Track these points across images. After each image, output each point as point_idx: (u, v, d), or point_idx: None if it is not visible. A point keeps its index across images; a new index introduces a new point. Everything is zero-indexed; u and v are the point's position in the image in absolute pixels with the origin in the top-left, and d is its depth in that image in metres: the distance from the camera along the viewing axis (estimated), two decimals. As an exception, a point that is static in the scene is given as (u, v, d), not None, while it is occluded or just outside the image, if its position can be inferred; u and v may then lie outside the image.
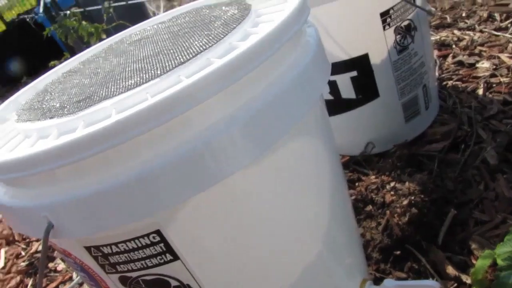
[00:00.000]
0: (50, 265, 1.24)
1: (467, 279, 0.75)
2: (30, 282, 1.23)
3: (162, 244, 0.39)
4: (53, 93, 0.51)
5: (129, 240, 0.39)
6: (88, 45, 1.78)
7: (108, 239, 0.39)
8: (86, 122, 0.38)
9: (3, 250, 1.39)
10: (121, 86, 0.41)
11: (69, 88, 0.50)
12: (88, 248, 0.41)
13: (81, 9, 1.95)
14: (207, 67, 0.35)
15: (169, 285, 0.42)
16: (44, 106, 0.47)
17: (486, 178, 0.93)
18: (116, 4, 1.66)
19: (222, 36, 0.43)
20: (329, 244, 0.52)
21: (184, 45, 0.45)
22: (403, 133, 1.03)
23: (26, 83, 3.40)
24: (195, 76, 0.34)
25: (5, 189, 0.43)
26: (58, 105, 0.45)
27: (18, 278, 1.25)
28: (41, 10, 2.40)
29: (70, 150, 0.34)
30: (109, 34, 1.71)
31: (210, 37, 0.44)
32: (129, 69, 0.45)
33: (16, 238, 1.44)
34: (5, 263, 1.33)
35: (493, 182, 0.92)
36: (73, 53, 2.61)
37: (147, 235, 0.38)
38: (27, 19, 3.39)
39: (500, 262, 0.63)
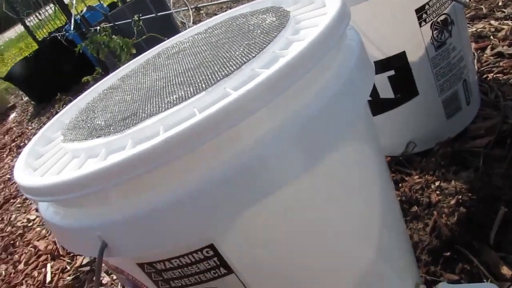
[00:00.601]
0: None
1: (524, 279, 0.72)
2: (77, 296, 1.24)
3: (215, 258, 0.38)
4: (96, 111, 0.51)
5: (183, 256, 0.39)
6: (119, 59, 1.80)
7: (162, 255, 0.39)
8: (134, 140, 0.38)
9: (49, 265, 1.42)
10: (166, 102, 0.40)
11: (112, 105, 0.50)
12: (141, 265, 0.41)
13: (111, 24, 1.98)
14: (254, 78, 0.34)
15: (223, 299, 0.42)
16: (89, 125, 0.47)
17: (536, 172, 0.90)
18: (146, 17, 1.67)
19: (264, 45, 0.42)
20: (381, 249, 0.50)
21: (226, 56, 0.44)
22: (445, 130, 1.00)
23: (60, 99, 3.48)
24: (243, 88, 0.33)
25: (56, 209, 0.43)
26: (103, 123, 0.45)
27: (65, 292, 1.27)
28: (72, 27, 2.45)
29: (121, 169, 0.33)
30: (139, 47, 1.73)
31: (252, 47, 0.43)
32: (172, 83, 0.45)
33: (61, 252, 1.46)
34: (52, 278, 1.35)
35: (543, 176, 0.88)
36: (105, 67, 2.66)
37: (201, 249, 0.38)
38: (59, 37, 3.47)
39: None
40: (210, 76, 0.41)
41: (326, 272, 0.44)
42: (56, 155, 0.48)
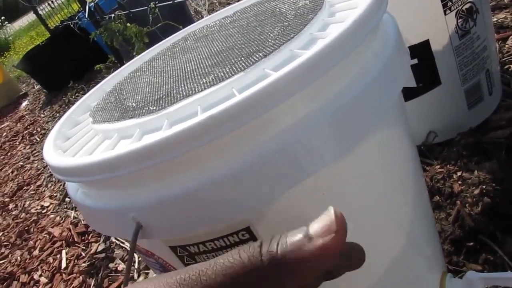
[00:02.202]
0: (111, 265, 1.27)
1: (547, 271, 0.72)
2: (92, 282, 1.25)
3: (251, 241, 0.38)
4: (125, 93, 0.51)
5: (218, 239, 0.38)
6: (133, 47, 1.80)
7: (196, 239, 0.39)
8: (170, 121, 0.38)
9: (63, 252, 1.43)
10: (202, 82, 0.40)
11: (142, 87, 0.49)
12: (173, 248, 0.41)
13: (126, 11, 1.97)
14: (294, 59, 0.34)
15: (256, 283, 0.42)
16: (119, 106, 0.47)
17: (559, 164, 0.89)
18: (162, 4, 1.67)
19: (301, 27, 0.41)
20: (412, 237, 0.50)
21: (260, 38, 0.44)
22: (466, 120, 0.99)
23: (73, 87, 3.48)
24: (284, 69, 0.33)
25: (88, 190, 0.43)
26: (134, 104, 0.44)
27: (81, 278, 1.28)
28: (86, 15, 2.44)
29: (159, 150, 0.33)
30: (154, 35, 1.72)
31: (287, 29, 0.42)
32: (205, 65, 0.44)
33: (76, 239, 1.47)
34: (67, 264, 1.36)
35: None
36: (118, 56, 2.66)
37: (237, 232, 0.37)
38: (71, 25, 3.47)
39: None
40: (246, 57, 0.40)
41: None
42: (86, 136, 0.47)
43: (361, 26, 0.36)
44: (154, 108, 0.40)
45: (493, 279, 0.55)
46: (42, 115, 3.66)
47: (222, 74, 0.39)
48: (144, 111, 0.41)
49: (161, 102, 0.41)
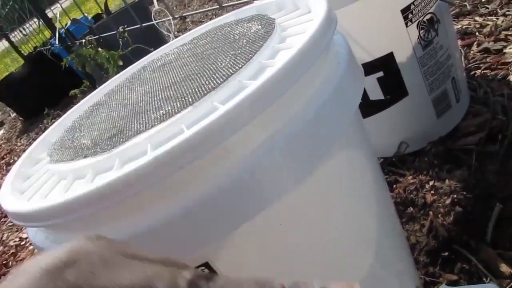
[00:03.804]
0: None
1: (523, 276, 0.72)
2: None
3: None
4: (82, 130, 0.50)
5: (177, 276, 0.37)
6: (106, 72, 1.79)
7: (156, 277, 0.38)
8: (121, 160, 0.37)
9: None
10: (153, 118, 0.39)
11: (98, 123, 0.49)
12: None
13: (96, 36, 1.96)
14: (242, 90, 0.34)
15: (221, 318, 0.41)
16: (75, 144, 0.46)
17: (529, 167, 0.89)
18: (130, 28, 1.66)
19: (250, 55, 0.41)
20: (379, 253, 0.49)
21: (212, 67, 0.43)
22: (436, 129, 1.00)
23: (49, 114, 3.45)
24: (231, 102, 0.33)
25: (46, 234, 0.42)
26: (89, 142, 0.44)
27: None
28: (56, 41, 2.42)
29: (109, 192, 0.32)
30: (126, 58, 1.72)
31: (238, 57, 0.42)
32: (158, 98, 0.44)
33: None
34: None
35: (536, 171, 0.88)
36: (92, 81, 2.64)
37: (196, 268, 0.37)
38: (44, 51, 3.44)
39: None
40: (196, 89, 0.40)
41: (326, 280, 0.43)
42: (43, 177, 0.46)
43: (308, 52, 0.36)
44: (107, 147, 0.40)
45: (465, 292, 0.56)
46: (19, 143, 3.61)
47: (172, 109, 0.39)
48: (97, 149, 0.40)
49: (113, 140, 0.40)
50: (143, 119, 0.41)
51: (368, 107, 0.95)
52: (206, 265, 0.37)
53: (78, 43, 2.03)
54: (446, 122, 1.01)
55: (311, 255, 0.41)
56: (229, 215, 0.34)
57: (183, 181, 0.33)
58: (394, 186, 0.95)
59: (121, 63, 1.73)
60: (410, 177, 0.93)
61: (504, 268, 0.74)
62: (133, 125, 0.41)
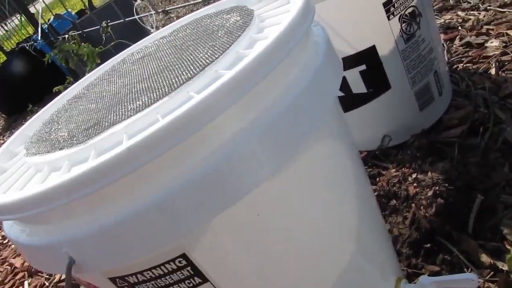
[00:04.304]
0: (75, 291, 1.23)
1: (503, 266, 0.73)
2: (57, 311, 1.21)
3: (189, 268, 0.37)
4: (60, 122, 0.50)
5: (155, 267, 0.37)
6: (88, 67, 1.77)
7: (133, 268, 0.38)
8: (97, 151, 0.37)
9: (26, 283, 1.38)
10: (129, 109, 0.39)
11: (76, 115, 0.48)
12: (113, 280, 0.40)
13: (79, 32, 1.94)
14: (217, 80, 0.33)
15: (200, 309, 0.41)
16: (52, 137, 0.45)
17: (510, 159, 0.90)
18: (113, 23, 1.65)
19: (228, 45, 0.41)
20: (360, 245, 0.50)
21: (189, 58, 0.43)
22: (419, 122, 1.00)
23: (32, 111, 3.41)
24: (206, 91, 0.32)
25: (21, 227, 0.42)
26: (66, 134, 0.43)
27: (45, 309, 1.24)
28: (39, 37, 2.40)
29: (84, 182, 0.32)
30: (109, 54, 1.70)
31: (215, 48, 0.42)
32: (136, 89, 0.43)
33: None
34: (31, 296, 1.32)
35: (517, 162, 0.89)
36: (76, 76, 2.62)
37: (173, 260, 0.37)
38: (27, 47, 3.40)
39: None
40: (173, 80, 0.39)
41: (305, 271, 0.43)
42: (19, 170, 0.46)
43: (283, 42, 0.36)
44: (83, 138, 0.39)
45: (445, 282, 0.56)
46: (1, 141, 3.57)
47: (148, 99, 0.38)
48: (74, 141, 0.40)
49: (89, 131, 0.40)
50: (120, 111, 0.40)
51: (351, 101, 0.96)
52: (183, 256, 0.37)
53: (61, 39, 2.01)
54: (429, 115, 1.02)
55: (290, 246, 0.41)
56: (205, 205, 0.34)
57: (158, 170, 0.33)
58: (378, 179, 0.96)
59: (98, 60, 1.71)
60: (393, 170, 0.94)
61: (484, 258, 0.75)
62: (109, 117, 0.40)
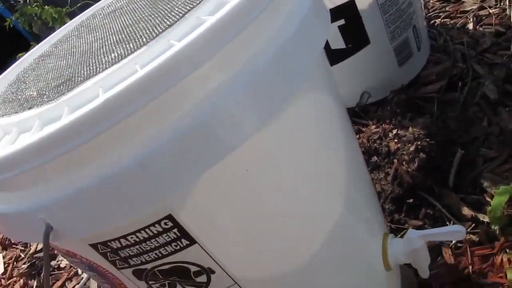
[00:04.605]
0: (53, 263, 1.21)
1: (484, 218, 0.73)
2: (34, 283, 1.19)
3: (175, 230, 0.35)
4: (27, 82, 0.46)
5: (139, 230, 0.35)
6: (54, 31, 1.69)
7: (116, 233, 0.35)
8: (70, 107, 0.34)
9: (0, 255, 1.35)
10: (104, 62, 0.36)
11: (45, 74, 0.45)
12: (94, 246, 0.37)
13: (42, -6, 1.85)
14: (199, 27, 0.31)
15: (188, 271, 0.39)
16: (20, 97, 0.42)
17: (488, 113, 0.90)
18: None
19: (208, -9, 0.38)
20: (349, 202, 0.48)
21: (166, 8, 0.40)
22: (398, 78, 0.99)
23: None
24: (187, 38, 0.30)
25: (-9, 194, 0.39)
26: (35, 93, 0.40)
27: (21, 281, 1.22)
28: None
29: (58, 140, 0.29)
30: (75, 16, 1.63)
31: (195, -6, 0.39)
32: (110, 42, 0.40)
33: (13, 240, 1.39)
34: (5, 268, 1.29)
35: (495, 117, 0.89)
36: (40, 41, 2.51)
37: (158, 222, 0.34)
38: (-14, 13, 3.25)
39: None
40: (151, 29, 0.36)
41: (295, 229, 0.42)
42: (-14, 134, 0.42)
43: (270, -15, 0.33)
44: (54, 95, 0.36)
45: (432, 235, 0.55)
46: (-33, 113, 3.45)
47: (125, 50, 0.35)
48: (43, 100, 0.37)
49: (61, 88, 0.37)
50: (93, 64, 0.37)
51: (329, 57, 0.93)
52: (169, 217, 0.34)
53: (22, 1, 1.91)
54: (407, 71, 1.01)
55: (280, 204, 0.40)
56: (191, 162, 0.31)
57: (138, 126, 0.31)
58: (358, 136, 0.95)
59: (68, 20, 1.64)
60: (373, 126, 0.93)
61: (466, 211, 0.75)
62: (82, 72, 0.37)
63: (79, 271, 1.12)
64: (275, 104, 0.34)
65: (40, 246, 1.29)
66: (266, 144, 0.36)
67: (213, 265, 0.39)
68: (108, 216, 0.33)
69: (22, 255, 1.30)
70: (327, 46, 0.90)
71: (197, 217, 0.36)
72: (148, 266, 0.38)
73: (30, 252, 1.29)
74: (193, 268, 0.39)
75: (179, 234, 0.36)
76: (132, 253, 0.37)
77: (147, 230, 0.35)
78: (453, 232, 0.54)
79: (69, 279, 1.12)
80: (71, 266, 1.16)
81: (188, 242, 0.36)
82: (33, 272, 1.22)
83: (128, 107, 0.29)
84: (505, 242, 0.69)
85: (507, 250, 0.68)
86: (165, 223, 0.35)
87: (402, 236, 0.58)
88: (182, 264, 0.38)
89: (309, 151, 0.41)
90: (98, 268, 0.41)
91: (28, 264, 1.24)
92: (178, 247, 0.37)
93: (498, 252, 0.69)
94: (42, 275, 1.19)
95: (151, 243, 0.36)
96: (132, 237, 0.36)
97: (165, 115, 0.31)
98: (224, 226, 0.37)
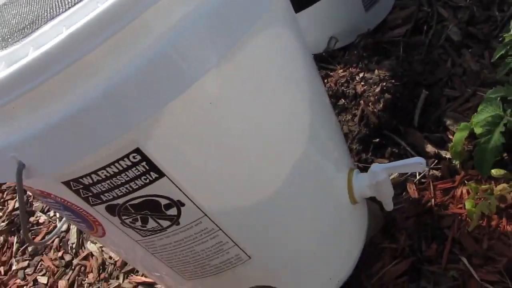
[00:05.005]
0: (32, 219, 1.22)
1: (446, 154, 0.77)
2: (14, 239, 1.20)
3: (144, 163, 0.37)
4: (-10, 29, 0.46)
5: (109, 165, 0.37)
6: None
7: (87, 169, 0.37)
8: (36, 46, 0.35)
9: (-22, 216, 1.35)
10: (66, 2, 0.36)
11: (8, 21, 0.45)
12: (67, 183, 0.39)
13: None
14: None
15: (159, 205, 0.41)
16: (-17, 42, 0.42)
17: (452, 55, 0.93)
18: None
19: None
20: (314, 139, 0.50)
21: None
22: (364, 22, 1.00)
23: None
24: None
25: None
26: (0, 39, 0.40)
27: (1, 238, 1.23)
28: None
29: (25, 76, 0.31)
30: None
31: None
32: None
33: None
34: (-16, 228, 1.30)
35: (459, 58, 0.92)
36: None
37: (127, 155, 0.36)
38: None
39: (478, 130, 0.64)
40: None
41: (258, 162, 0.44)
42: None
43: None
44: (19, 37, 0.37)
45: (395, 168, 0.58)
46: None
47: (85, -11, 0.36)
48: (8, 43, 0.37)
49: (25, 30, 0.37)
50: (56, 6, 0.37)
51: (295, 3, 0.93)
52: (137, 151, 0.36)
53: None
54: (374, 15, 1.02)
55: (243, 136, 0.42)
56: (155, 93, 0.33)
57: (102, 60, 0.32)
58: (326, 80, 0.96)
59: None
60: (341, 70, 0.95)
61: (429, 148, 0.78)
62: (45, 14, 0.38)
63: (58, 224, 1.13)
64: (235, 36, 0.35)
65: (17, 204, 1.29)
66: (229, 77, 0.38)
67: (182, 198, 0.41)
68: (78, 150, 0.34)
69: (0, 214, 1.30)
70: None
71: (164, 149, 0.37)
72: (120, 201, 0.40)
73: (8, 210, 1.29)
74: (163, 201, 0.41)
75: (147, 167, 0.37)
76: (104, 189, 0.39)
77: (116, 164, 0.37)
78: (414, 164, 0.57)
79: (48, 233, 1.14)
80: (49, 221, 1.18)
81: (157, 175, 0.38)
82: (12, 229, 1.23)
83: (91, 41, 0.30)
84: (465, 175, 0.73)
85: (466, 182, 0.71)
86: (134, 157, 0.36)
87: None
88: (152, 198, 0.40)
89: (272, 86, 0.43)
90: (72, 207, 0.43)
91: (7, 221, 1.25)
92: (148, 180, 0.38)
93: (458, 185, 0.73)
94: (21, 231, 1.20)
95: (121, 177, 0.38)
96: (102, 172, 0.37)
97: (128, 49, 0.32)
98: (191, 158, 0.39)
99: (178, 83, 0.33)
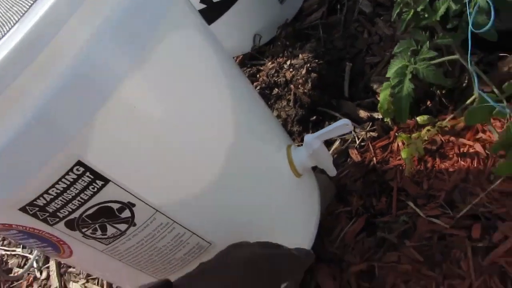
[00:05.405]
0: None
1: (378, 115, 0.83)
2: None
3: (88, 173, 0.40)
4: None
5: (57, 182, 0.40)
6: None
7: (37, 190, 0.40)
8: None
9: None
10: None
11: None
12: (23, 209, 0.42)
13: None
14: None
15: (112, 210, 0.44)
16: None
17: (367, 26, 1.00)
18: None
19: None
20: (241, 126, 0.54)
21: None
22: (282, 14, 1.06)
23: None
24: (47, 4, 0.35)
25: None
26: None
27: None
28: None
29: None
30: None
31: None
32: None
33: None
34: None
35: (373, 27, 0.98)
36: None
37: (71, 169, 0.39)
38: None
39: (393, 82, 0.70)
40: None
41: (193, 152, 0.48)
42: None
43: None
44: None
45: (325, 133, 0.63)
46: None
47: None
48: None
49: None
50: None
51: (214, 10, 0.99)
52: (79, 163, 0.40)
53: None
54: (290, 6, 1.08)
55: (172, 130, 0.45)
56: (80, 107, 0.37)
57: (27, 86, 0.35)
58: (258, 75, 1.02)
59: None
60: (270, 63, 1.00)
61: (362, 114, 0.84)
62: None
63: (37, 275, 1.14)
64: (142, 42, 0.40)
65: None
66: (147, 82, 0.42)
67: (132, 199, 0.44)
68: (22, 173, 0.38)
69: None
70: (208, 1, 0.96)
71: (103, 157, 0.41)
72: (76, 214, 0.44)
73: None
74: (115, 206, 0.44)
75: (92, 177, 0.41)
76: (58, 206, 0.42)
77: (63, 180, 0.40)
78: (340, 126, 0.62)
79: (29, 286, 1.15)
80: (29, 274, 1.18)
81: (103, 182, 0.42)
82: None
83: (15, 69, 0.34)
84: (398, 129, 0.79)
85: (397, 134, 0.77)
86: (77, 169, 0.40)
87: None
88: (104, 204, 0.44)
89: (190, 83, 0.47)
90: (35, 232, 0.46)
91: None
92: (95, 188, 0.42)
93: (393, 140, 0.79)
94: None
95: (71, 191, 0.41)
96: (53, 190, 0.41)
97: (47, 73, 0.36)
98: (129, 160, 0.43)
99: (98, 95, 0.37)
